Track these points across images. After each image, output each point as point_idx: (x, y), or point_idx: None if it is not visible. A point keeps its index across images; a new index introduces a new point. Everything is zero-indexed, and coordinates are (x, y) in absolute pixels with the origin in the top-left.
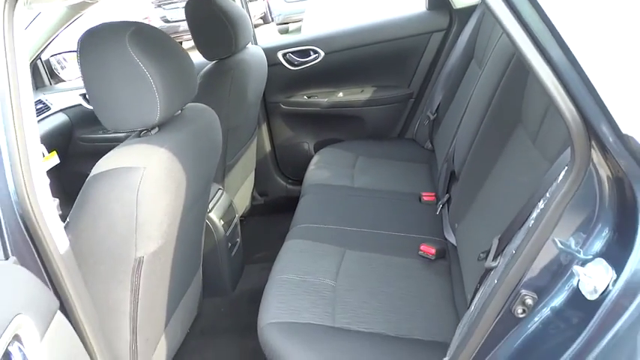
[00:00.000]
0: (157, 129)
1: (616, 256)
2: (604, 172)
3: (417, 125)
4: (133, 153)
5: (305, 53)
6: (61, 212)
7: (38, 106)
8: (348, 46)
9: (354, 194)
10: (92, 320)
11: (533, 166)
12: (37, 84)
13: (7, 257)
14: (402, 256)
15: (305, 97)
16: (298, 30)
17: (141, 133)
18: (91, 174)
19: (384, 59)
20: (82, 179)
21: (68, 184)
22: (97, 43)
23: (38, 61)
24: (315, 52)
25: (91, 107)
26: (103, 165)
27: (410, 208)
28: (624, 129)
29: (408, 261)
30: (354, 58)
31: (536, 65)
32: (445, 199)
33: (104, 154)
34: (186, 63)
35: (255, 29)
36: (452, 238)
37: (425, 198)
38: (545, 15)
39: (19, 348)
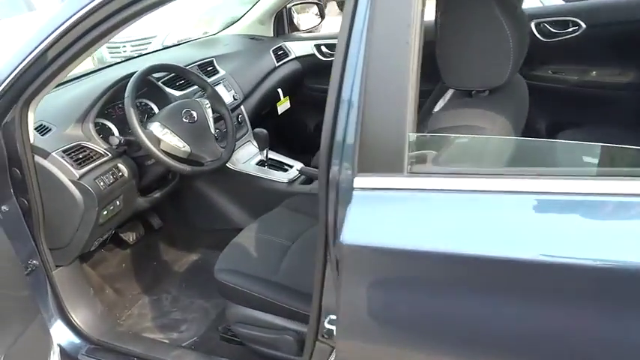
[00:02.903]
0: (487, 92)
1: None
2: None
3: None
4: (476, 112)
5: (563, 24)
6: None
7: (279, 52)
8: (620, 20)
9: None
10: None
11: None
12: (279, 31)
13: None
14: None
15: (550, 71)
16: None
17: (472, 94)
18: None
19: None
20: (303, 127)
21: (289, 127)
22: (463, 3)
23: (284, 10)
24: (576, 24)
25: (324, 59)
26: (443, 121)
27: None
28: None
29: None
30: (623, 35)
31: None
32: None
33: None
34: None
35: None
36: None
37: None
38: None
39: None
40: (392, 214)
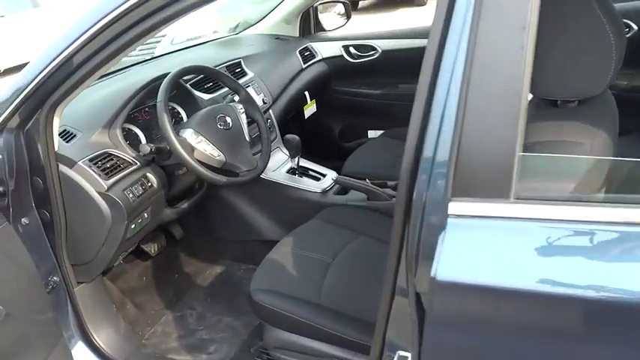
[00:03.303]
0: (576, 102)
1: None
2: None
3: None
4: (571, 126)
5: None
6: None
7: (306, 53)
8: None
9: None
10: None
11: None
12: (305, 32)
13: None
14: None
15: None
16: None
17: (557, 103)
18: None
19: None
20: (328, 131)
21: (314, 131)
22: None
23: (310, 9)
24: (626, 25)
25: (352, 60)
26: (533, 135)
27: None
28: None
29: None
30: None
31: None
32: None
33: (352, 109)
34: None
35: None
36: None
37: None
38: None
39: None
40: (496, 246)
